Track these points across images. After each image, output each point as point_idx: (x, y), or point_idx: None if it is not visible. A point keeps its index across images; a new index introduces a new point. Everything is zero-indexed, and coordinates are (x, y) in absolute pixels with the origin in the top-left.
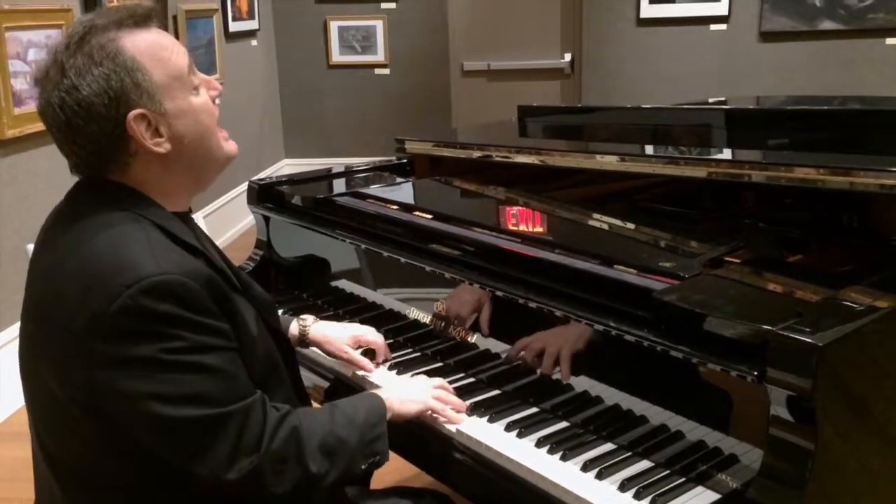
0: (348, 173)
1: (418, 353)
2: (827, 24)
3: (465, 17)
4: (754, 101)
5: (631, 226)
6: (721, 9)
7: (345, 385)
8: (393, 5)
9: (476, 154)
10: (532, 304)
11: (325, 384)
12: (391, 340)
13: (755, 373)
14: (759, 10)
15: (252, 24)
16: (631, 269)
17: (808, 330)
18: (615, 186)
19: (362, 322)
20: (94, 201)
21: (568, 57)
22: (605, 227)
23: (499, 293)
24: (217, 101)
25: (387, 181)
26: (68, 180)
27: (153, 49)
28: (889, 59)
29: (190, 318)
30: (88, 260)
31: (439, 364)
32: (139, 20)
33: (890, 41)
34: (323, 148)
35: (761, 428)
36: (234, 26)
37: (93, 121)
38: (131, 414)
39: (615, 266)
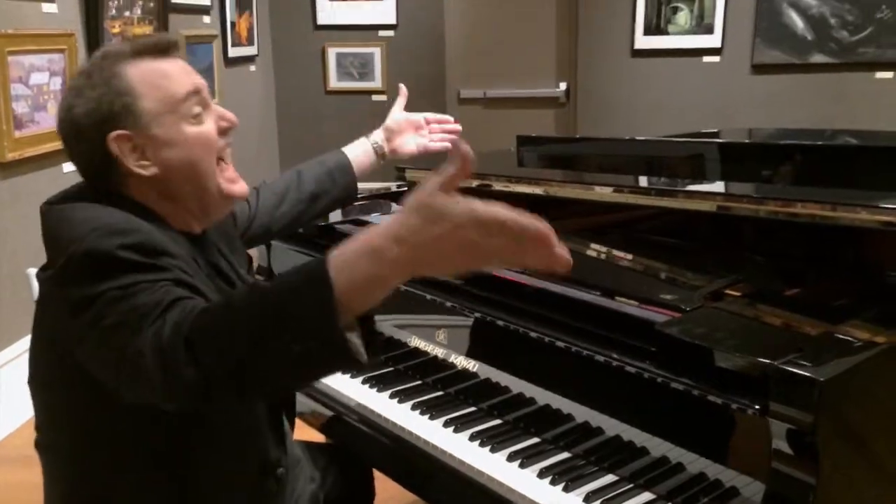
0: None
1: (419, 382)
2: (818, 58)
3: (462, 46)
4: (746, 133)
5: (630, 257)
6: (714, 41)
7: (344, 421)
8: (391, 33)
9: (475, 183)
10: (533, 335)
11: (328, 413)
12: (391, 368)
13: (757, 406)
14: (752, 42)
15: (251, 50)
16: (632, 301)
17: (809, 364)
18: (613, 217)
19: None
20: (97, 198)
21: (563, 86)
22: (606, 258)
23: (500, 323)
24: (229, 134)
25: (387, 209)
26: None
27: (152, 76)
28: (878, 92)
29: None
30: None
31: (440, 393)
32: (152, 50)
33: (879, 75)
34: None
35: (762, 461)
36: (233, 52)
37: (81, 140)
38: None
39: (616, 298)
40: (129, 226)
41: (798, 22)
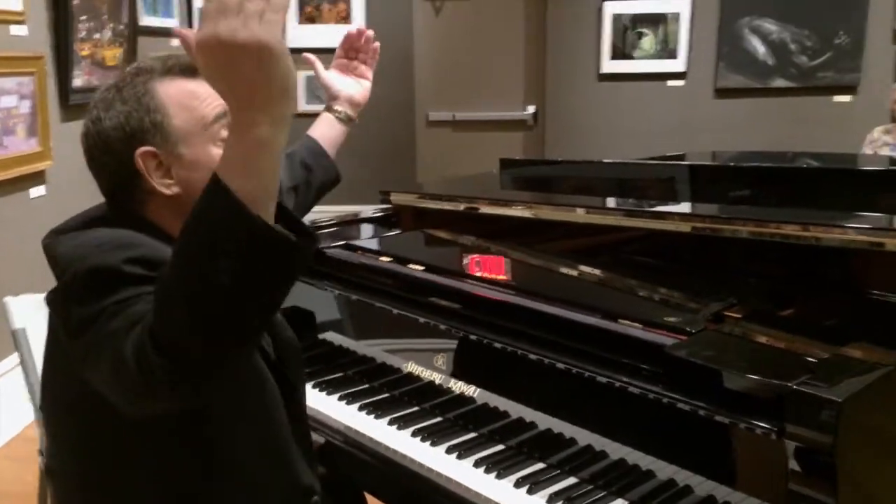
0: (333, 224)
1: (416, 408)
2: (779, 82)
3: (430, 69)
4: (711, 155)
5: (621, 279)
6: (678, 66)
7: (339, 448)
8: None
9: (462, 206)
10: (534, 358)
11: (320, 440)
12: (387, 394)
13: (773, 428)
14: (715, 67)
15: None
16: (637, 324)
17: (825, 385)
18: (599, 239)
19: (358, 374)
20: (111, 219)
21: (531, 109)
22: (600, 280)
23: (497, 345)
24: None
25: (375, 232)
26: (39, 229)
27: (183, 96)
28: (836, 115)
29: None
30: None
31: (439, 419)
32: (185, 70)
33: (837, 98)
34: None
35: (775, 483)
36: None
37: (108, 152)
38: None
39: (619, 321)
40: (135, 240)
41: (759, 47)
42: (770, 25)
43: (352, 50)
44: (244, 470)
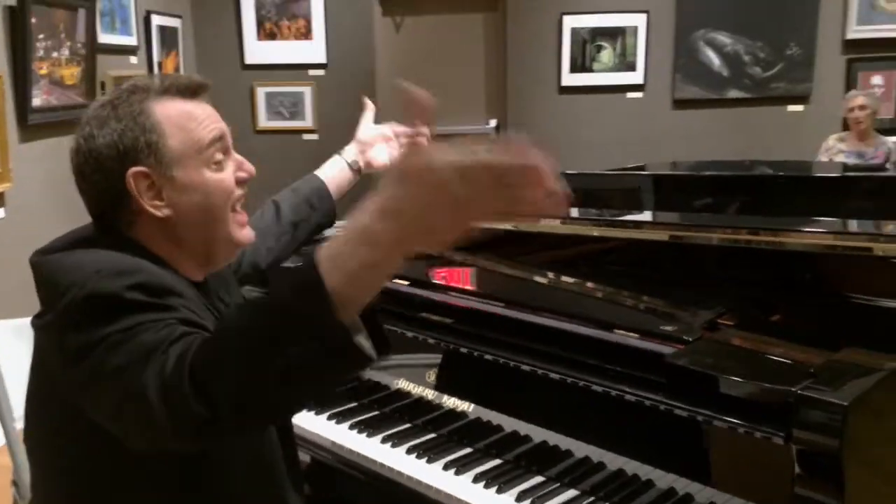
0: (316, 241)
1: (409, 425)
2: (734, 93)
3: (391, 84)
4: (670, 165)
5: (610, 290)
6: (637, 78)
7: (330, 467)
8: (321, 72)
9: None
10: (528, 369)
11: (305, 458)
12: (377, 412)
13: (781, 433)
14: (672, 79)
15: None
16: (633, 334)
17: (828, 389)
18: (577, 250)
19: (347, 393)
20: (99, 240)
21: (493, 122)
22: (587, 291)
23: (488, 357)
24: (245, 184)
25: None
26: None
27: (179, 117)
28: (789, 124)
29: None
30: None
31: (433, 435)
32: (182, 90)
33: (790, 108)
34: (250, 213)
35: (778, 488)
36: None
37: (99, 170)
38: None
39: (615, 331)
40: (134, 266)
41: (714, 59)
42: (724, 38)
43: (409, 136)
44: (234, 493)
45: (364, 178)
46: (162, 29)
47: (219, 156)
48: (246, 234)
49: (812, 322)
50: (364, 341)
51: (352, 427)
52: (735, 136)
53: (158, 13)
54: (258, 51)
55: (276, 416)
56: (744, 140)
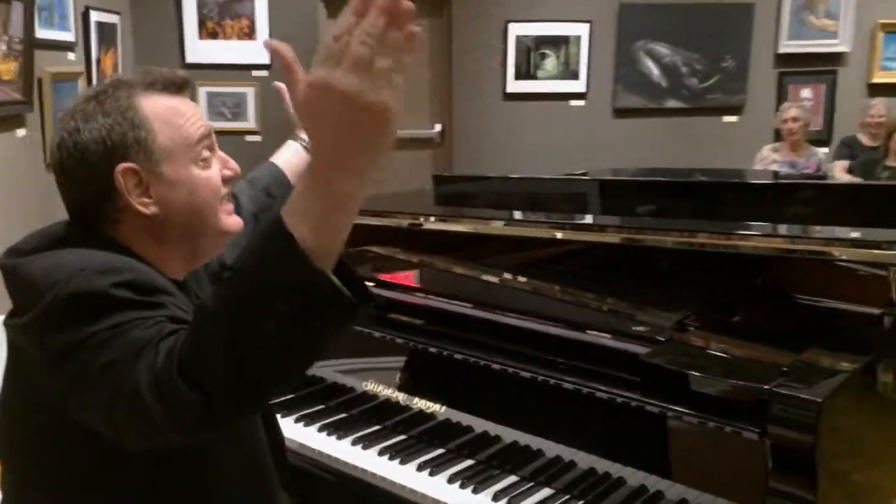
0: None
1: (378, 427)
2: (672, 103)
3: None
4: (611, 172)
5: (572, 291)
6: (580, 86)
7: (302, 470)
8: (265, 73)
9: (407, 222)
10: (498, 369)
11: None
12: (345, 414)
13: (756, 429)
14: (613, 88)
15: None
16: (606, 334)
17: (802, 387)
18: (534, 254)
19: (311, 395)
20: (76, 239)
21: (438, 127)
22: (552, 293)
23: (457, 357)
24: (230, 182)
25: None
26: None
27: (168, 113)
28: (725, 134)
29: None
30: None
31: (403, 436)
32: (168, 86)
33: (725, 119)
34: None
35: (751, 483)
36: None
37: (84, 165)
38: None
39: (588, 331)
40: (120, 264)
41: (654, 70)
42: (663, 49)
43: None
44: (225, 493)
45: None
46: (101, 25)
47: (206, 153)
48: (234, 221)
49: (769, 323)
50: (343, 288)
51: (321, 429)
52: (673, 144)
53: (97, 9)
54: (200, 50)
55: (271, 385)
56: (681, 149)
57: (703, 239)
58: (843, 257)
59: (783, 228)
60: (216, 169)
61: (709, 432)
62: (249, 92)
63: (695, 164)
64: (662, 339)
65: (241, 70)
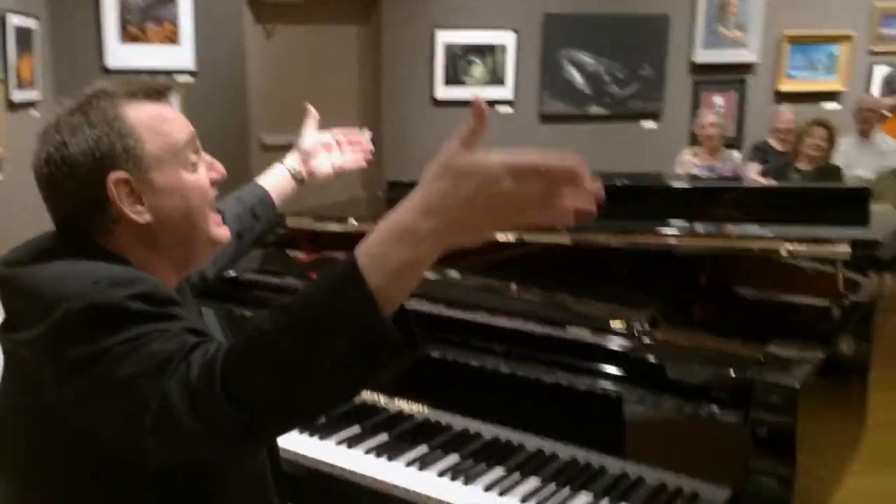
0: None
1: (359, 428)
2: (595, 109)
3: (264, 92)
4: None
5: (543, 293)
6: (507, 93)
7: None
8: (190, 79)
9: (368, 226)
10: (490, 367)
11: None
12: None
13: (739, 414)
14: (539, 95)
15: (34, 95)
16: (586, 330)
17: (781, 374)
18: (490, 257)
19: None
20: (67, 250)
21: (367, 134)
22: (518, 293)
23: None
24: (216, 185)
25: (282, 257)
26: None
27: (154, 121)
28: (644, 140)
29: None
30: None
31: (385, 435)
32: (150, 93)
33: (644, 124)
34: None
35: (732, 464)
36: (17, 95)
37: (73, 178)
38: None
39: (567, 327)
40: (133, 276)
41: (577, 78)
42: (586, 58)
43: (350, 143)
44: (227, 499)
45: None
46: (18, 30)
47: (193, 157)
48: (224, 232)
49: (728, 319)
50: (399, 336)
51: (301, 431)
52: (596, 149)
53: (14, 12)
54: (121, 55)
55: (312, 414)
56: (604, 154)
57: (654, 239)
58: (789, 249)
59: (734, 228)
60: (203, 172)
61: (689, 419)
62: (174, 98)
63: (616, 168)
64: (640, 334)
65: (164, 75)
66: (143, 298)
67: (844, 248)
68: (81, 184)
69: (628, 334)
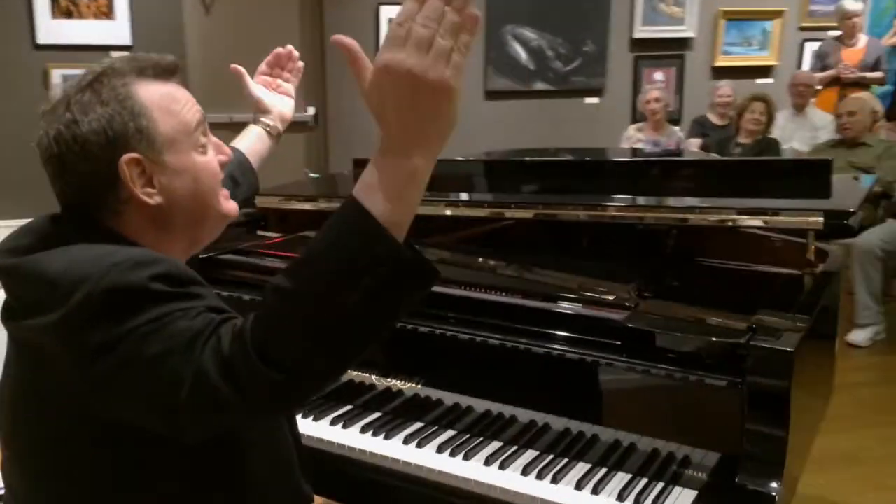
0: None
1: (351, 406)
2: (539, 85)
3: (204, 68)
4: (484, 154)
5: (522, 267)
6: None
7: None
8: (126, 54)
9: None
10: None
11: None
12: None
13: (736, 380)
14: (484, 71)
15: None
16: (577, 303)
17: (773, 339)
18: (471, 232)
19: None
20: (75, 233)
21: (311, 110)
22: (500, 268)
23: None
24: (224, 167)
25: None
26: None
27: (165, 101)
28: (588, 115)
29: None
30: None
31: (378, 413)
32: (160, 72)
33: (587, 100)
34: (41, 207)
35: (727, 427)
36: None
37: (85, 158)
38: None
39: (559, 301)
40: (153, 257)
41: (521, 53)
42: (530, 34)
43: (276, 67)
44: (257, 485)
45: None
46: None
47: (203, 139)
48: (233, 206)
49: (710, 290)
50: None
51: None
52: (541, 125)
53: None
54: (53, 29)
55: (351, 358)
56: (548, 129)
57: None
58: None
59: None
60: (212, 154)
61: (681, 386)
62: None
63: (561, 143)
64: (632, 305)
65: (99, 51)
66: (165, 279)
67: (817, 219)
68: (92, 164)
69: (618, 304)
